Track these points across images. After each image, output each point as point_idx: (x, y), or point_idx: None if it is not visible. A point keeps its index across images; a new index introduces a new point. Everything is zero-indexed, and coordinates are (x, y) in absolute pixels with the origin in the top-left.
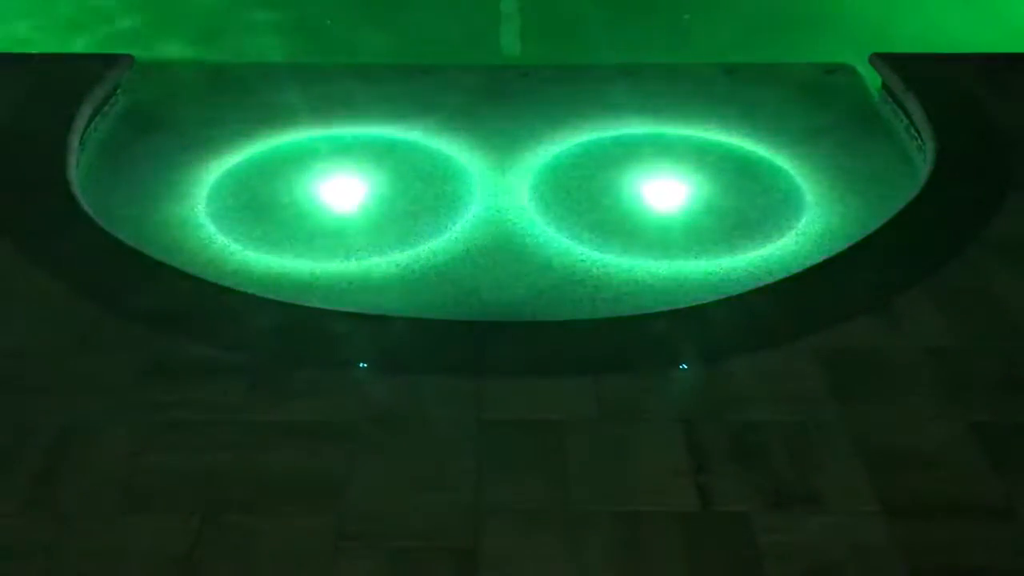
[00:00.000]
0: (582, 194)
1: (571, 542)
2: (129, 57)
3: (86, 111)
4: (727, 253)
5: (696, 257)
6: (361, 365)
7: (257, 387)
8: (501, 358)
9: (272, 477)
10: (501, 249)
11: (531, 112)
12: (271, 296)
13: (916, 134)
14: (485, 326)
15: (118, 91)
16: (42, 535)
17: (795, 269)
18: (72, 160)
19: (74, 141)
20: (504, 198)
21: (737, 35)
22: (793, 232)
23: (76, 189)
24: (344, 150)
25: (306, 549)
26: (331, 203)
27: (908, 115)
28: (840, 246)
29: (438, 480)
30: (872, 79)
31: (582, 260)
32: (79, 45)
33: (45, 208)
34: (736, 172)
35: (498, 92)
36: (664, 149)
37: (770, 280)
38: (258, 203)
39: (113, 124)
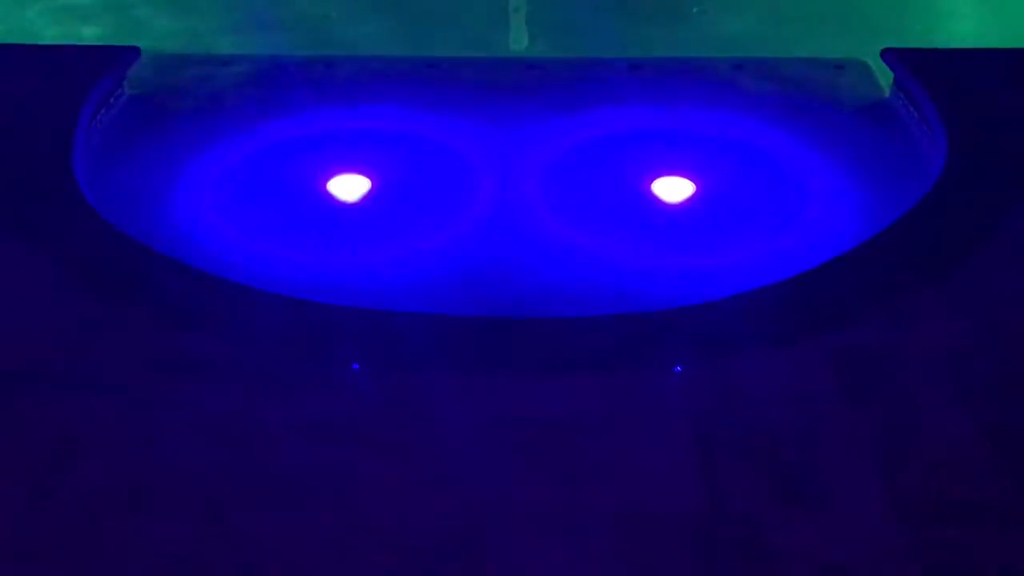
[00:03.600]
0: (587, 189)
1: (579, 541)
2: (136, 49)
3: (92, 103)
4: (736, 249)
5: (703, 253)
6: (365, 363)
7: (263, 383)
8: (508, 355)
9: (277, 475)
10: (508, 245)
11: (536, 107)
12: (277, 291)
13: (928, 129)
14: (492, 322)
15: (124, 83)
16: (44, 533)
17: (805, 267)
18: (77, 152)
19: (79, 133)
20: (510, 193)
21: (745, 29)
22: (803, 228)
23: (81, 182)
24: (350, 144)
25: (311, 548)
26: (337, 197)
27: (920, 110)
28: (851, 243)
29: (445, 478)
30: (884, 74)
31: (586, 256)
32: None
33: (49, 201)
34: (745, 168)
35: (503, 86)
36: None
37: (780, 278)
38: (264, 196)
39: (119, 115)
